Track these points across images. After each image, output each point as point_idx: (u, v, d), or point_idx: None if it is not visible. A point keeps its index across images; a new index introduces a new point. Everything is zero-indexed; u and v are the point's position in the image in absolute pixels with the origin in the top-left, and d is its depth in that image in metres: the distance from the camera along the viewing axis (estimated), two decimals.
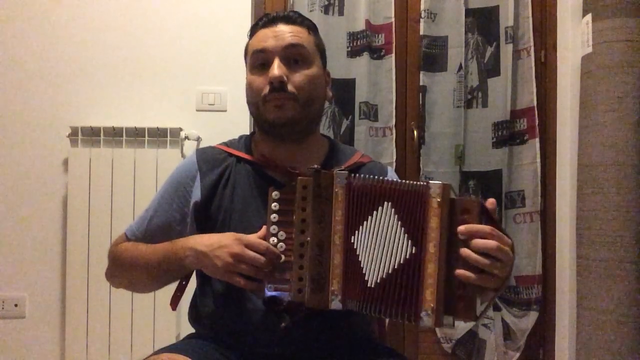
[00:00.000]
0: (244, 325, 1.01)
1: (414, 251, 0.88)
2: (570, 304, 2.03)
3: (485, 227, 0.85)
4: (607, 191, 1.83)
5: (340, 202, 0.92)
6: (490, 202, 0.87)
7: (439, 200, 0.87)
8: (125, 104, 2.17)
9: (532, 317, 2.16)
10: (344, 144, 1.23)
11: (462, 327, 2.14)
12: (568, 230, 2.07)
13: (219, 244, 0.96)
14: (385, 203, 0.90)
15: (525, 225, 2.17)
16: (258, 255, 0.93)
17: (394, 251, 0.89)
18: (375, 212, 0.91)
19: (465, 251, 0.83)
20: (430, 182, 0.88)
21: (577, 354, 1.92)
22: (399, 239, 0.89)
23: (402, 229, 0.89)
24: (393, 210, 0.90)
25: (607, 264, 1.81)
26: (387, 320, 1.20)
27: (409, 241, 0.88)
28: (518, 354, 2.16)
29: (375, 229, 0.90)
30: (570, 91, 2.08)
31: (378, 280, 0.89)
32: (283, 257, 0.94)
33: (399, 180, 0.92)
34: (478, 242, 0.83)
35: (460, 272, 0.83)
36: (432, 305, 0.85)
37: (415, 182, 0.90)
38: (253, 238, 0.95)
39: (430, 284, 0.86)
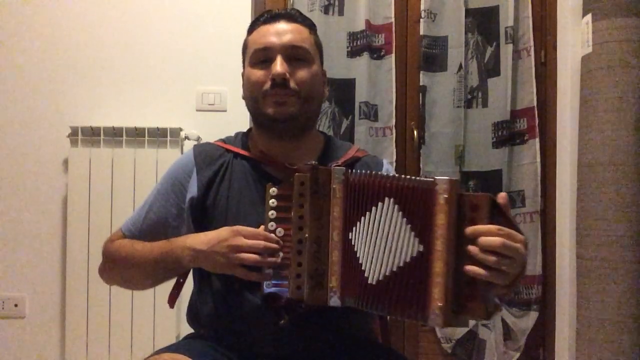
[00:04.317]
0: (243, 324, 1.01)
1: (421, 249, 0.85)
2: (570, 304, 2.03)
3: (492, 227, 0.82)
4: (607, 191, 1.83)
5: (338, 199, 0.92)
6: (502, 197, 0.85)
7: (445, 196, 0.83)
8: (125, 104, 2.17)
9: (532, 317, 2.16)
10: (340, 140, 1.23)
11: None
12: (568, 230, 2.07)
13: (217, 239, 0.96)
14: (387, 199, 0.88)
15: (525, 225, 2.17)
16: (256, 242, 0.93)
17: (399, 249, 0.87)
18: (374, 208, 0.89)
19: (472, 248, 0.81)
20: (437, 177, 0.85)
21: (577, 354, 1.92)
22: (404, 236, 0.87)
23: (408, 226, 0.87)
24: (396, 206, 0.88)
25: (607, 264, 1.81)
26: (388, 318, 1.19)
27: (416, 239, 0.86)
28: (518, 354, 2.15)
29: (375, 226, 0.89)
30: (570, 91, 2.08)
31: (380, 278, 0.88)
32: (282, 242, 0.94)
33: (403, 176, 0.89)
34: (484, 239, 0.81)
35: (469, 267, 0.81)
36: (439, 304, 0.82)
37: (420, 178, 0.87)
38: (249, 228, 0.95)
39: (438, 282, 0.83)
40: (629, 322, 1.78)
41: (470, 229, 0.82)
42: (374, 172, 0.92)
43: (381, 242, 0.89)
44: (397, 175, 0.90)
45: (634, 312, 1.78)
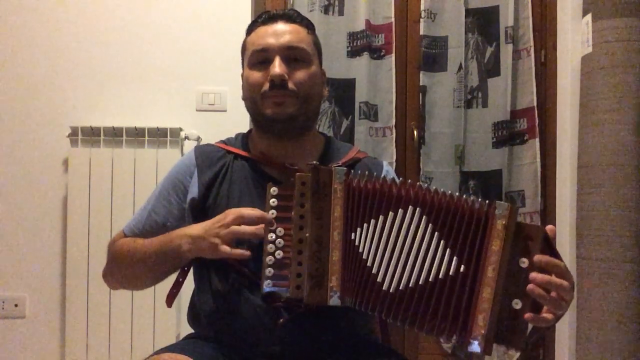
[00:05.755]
0: (243, 323, 1.01)
1: (462, 270, 0.85)
2: (570, 304, 2.03)
3: (560, 264, 0.81)
4: (607, 191, 1.83)
5: (339, 199, 0.92)
6: (551, 230, 0.84)
7: (504, 222, 0.82)
8: (125, 104, 2.17)
9: None
10: (340, 141, 1.23)
11: None
12: (568, 230, 2.07)
13: (211, 222, 0.98)
14: (411, 207, 0.88)
15: None
16: (254, 213, 0.95)
17: (428, 263, 0.86)
18: (392, 214, 0.89)
19: (536, 289, 0.79)
20: (497, 202, 0.83)
21: (577, 354, 1.92)
22: (435, 252, 0.86)
23: (442, 242, 0.86)
24: (425, 218, 0.87)
25: (607, 264, 1.81)
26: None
27: (455, 258, 0.85)
28: (518, 354, 2.15)
29: (393, 232, 0.89)
30: (570, 91, 2.08)
31: (401, 287, 0.87)
32: (275, 223, 0.94)
33: (435, 188, 0.88)
34: (553, 279, 0.79)
35: (527, 315, 0.79)
36: (483, 332, 0.81)
37: (474, 199, 0.86)
38: (241, 208, 0.97)
39: (484, 309, 0.82)
40: (629, 323, 1.78)
41: (544, 258, 0.80)
42: (393, 177, 0.94)
43: (399, 250, 0.89)
44: (430, 187, 0.89)
45: (634, 312, 1.78)
